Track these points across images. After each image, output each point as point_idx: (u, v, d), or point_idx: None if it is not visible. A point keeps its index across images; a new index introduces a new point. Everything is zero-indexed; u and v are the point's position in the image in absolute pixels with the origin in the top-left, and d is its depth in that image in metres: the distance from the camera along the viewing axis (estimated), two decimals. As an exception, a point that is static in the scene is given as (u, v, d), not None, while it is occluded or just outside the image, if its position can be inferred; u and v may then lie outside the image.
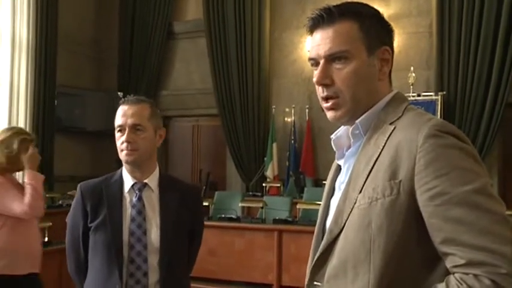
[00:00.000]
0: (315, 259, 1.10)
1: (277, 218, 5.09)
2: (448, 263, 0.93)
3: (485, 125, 6.08)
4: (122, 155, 1.83)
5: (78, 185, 1.89)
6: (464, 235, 0.90)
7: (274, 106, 7.33)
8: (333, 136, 1.21)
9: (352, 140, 1.14)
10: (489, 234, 0.89)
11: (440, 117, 6.23)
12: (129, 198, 1.83)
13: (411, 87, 6.48)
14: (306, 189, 6.32)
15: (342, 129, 1.20)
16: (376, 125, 1.09)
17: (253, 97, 7.43)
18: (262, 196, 6.54)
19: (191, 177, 8.27)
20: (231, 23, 7.55)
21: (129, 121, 1.81)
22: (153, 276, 1.77)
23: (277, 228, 4.89)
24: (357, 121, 1.12)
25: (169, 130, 8.52)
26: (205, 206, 6.02)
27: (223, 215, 5.58)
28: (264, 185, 6.93)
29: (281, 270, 4.80)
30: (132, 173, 1.86)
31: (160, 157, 8.43)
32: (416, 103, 6.46)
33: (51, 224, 4.13)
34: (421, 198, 0.96)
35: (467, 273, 0.89)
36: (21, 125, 7.20)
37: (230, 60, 7.57)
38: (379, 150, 1.05)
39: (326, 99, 1.13)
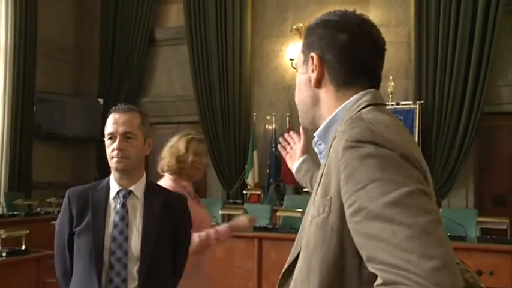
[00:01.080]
0: (283, 270, 1.08)
1: (257, 225, 5.11)
2: (375, 282, 0.84)
3: (462, 133, 6.21)
4: (112, 162, 1.85)
5: (67, 191, 1.90)
6: (381, 252, 0.82)
7: (255, 114, 7.37)
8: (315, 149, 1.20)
9: (318, 154, 1.13)
10: (403, 251, 0.79)
11: (419, 125, 6.34)
12: (113, 205, 1.84)
13: (390, 96, 6.58)
14: (286, 196, 6.35)
15: None
16: (334, 136, 1.01)
17: (234, 104, 7.46)
18: (242, 203, 6.55)
19: (172, 185, 8.23)
20: (212, 30, 7.57)
21: (120, 129, 1.84)
22: (132, 283, 1.77)
23: (258, 236, 4.90)
24: (315, 134, 1.11)
25: (150, 137, 8.48)
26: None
27: (203, 223, 5.57)
28: (244, 192, 6.94)
29: (261, 277, 4.81)
30: (119, 180, 1.88)
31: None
32: (395, 111, 6.55)
33: (28, 231, 4.06)
34: (346, 215, 0.89)
35: None
36: (-1, 131, 7.11)
37: (211, 68, 7.59)
38: (324, 164, 1.00)
39: None
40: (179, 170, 2.52)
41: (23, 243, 4.05)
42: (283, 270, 1.08)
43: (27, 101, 7.44)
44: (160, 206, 1.88)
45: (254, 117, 7.33)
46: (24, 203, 6.49)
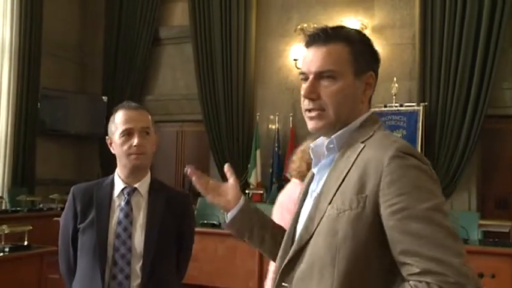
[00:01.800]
0: (284, 262, 1.18)
1: (259, 224, 5.10)
2: (405, 271, 1.02)
3: (466, 135, 6.19)
4: (130, 159, 1.84)
5: (72, 187, 1.93)
6: (421, 247, 1.00)
7: (258, 113, 7.37)
8: (312, 145, 1.28)
9: (326, 153, 1.23)
10: (442, 247, 0.99)
11: (422, 127, 6.33)
12: (118, 202, 1.86)
13: (394, 97, 6.58)
14: (288, 196, 6.34)
15: (321, 140, 1.27)
16: (350, 142, 1.19)
17: (238, 104, 7.46)
18: (245, 203, 6.54)
19: (174, 183, 8.25)
20: (216, 29, 7.58)
21: (139, 125, 1.85)
22: (135, 280, 1.78)
23: (259, 235, 4.90)
24: (333, 136, 1.21)
25: (153, 135, 8.50)
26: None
27: (205, 221, 5.58)
28: (247, 191, 6.95)
29: (262, 277, 4.81)
30: (126, 178, 1.88)
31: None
32: (398, 113, 6.56)
33: (31, 227, 4.08)
34: (384, 213, 1.05)
35: (420, 281, 0.98)
36: (3, 127, 7.14)
37: (215, 67, 7.60)
38: (350, 166, 1.14)
39: (310, 110, 1.21)
40: None
41: (26, 239, 4.07)
42: (285, 262, 1.18)
43: (31, 98, 7.48)
44: (163, 203, 1.89)
45: (257, 116, 7.34)
46: (28, 199, 6.51)
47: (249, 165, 7.17)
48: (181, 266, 2.01)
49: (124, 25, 8.33)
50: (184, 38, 7.97)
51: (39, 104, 7.65)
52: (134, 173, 1.88)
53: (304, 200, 1.28)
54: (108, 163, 8.14)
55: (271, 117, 7.35)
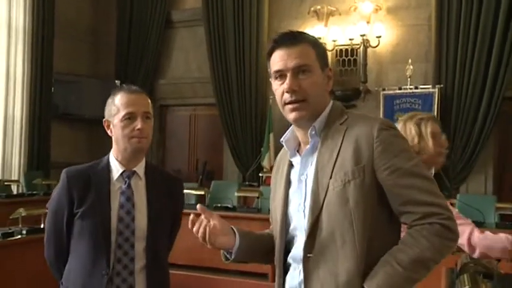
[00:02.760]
0: (306, 236, 1.35)
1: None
2: (408, 219, 1.31)
3: (482, 118, 6.09)
4: (132, 142, 1.83)
5: (64, 171, 1.88)
6: (417, 196, 1.29)
7: (271, 96, 7.31)
8: (282, 139, 1.48)
9: (310, 139, 1.41)
10: (432, 193, 1.31)
11: (437, 109, 6.25)
12: (118, 186, 1.85)
13: (409, 79, 6.49)
14: (302, 179, 6.33)
15: (289, 133, 1.48)
16: (328, 126, 1.41)
17: (251, 87, 7.42)
18: (258, 186, 6.56)
19: (188, 167, 8.28)
20: (229, 11, 7.51)
21: (142, 109, 1.85)
22: (139, 262, 1.81)
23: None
24: (314, 124, 1.41)
25: (166, 119, 8.52)
26: (202, 195, 6.04)
27: (219, 204, 5.60)
28: (260, 175, 6.94)
29: (276, 259, 4.82)
30: (126, 161, 1.87)
31: (157, 146, 8.43)
32: (413, 95, 6.47)
33: (46, 210, 4.12)
34: (382, 175, 1.31)
35: (423, 223, 1.28)
36: (18, 112, 7.19)
37: (228, 49, 7.55)
38: (339, 144, 1.36)
39: (292, 102, 1.39)
40: None
41: (42, 221, 4.12)
42: (306, 235, 1.35)
43: (45, 82, 7.51)
44: (162, 187, 1.92)
45: (271, 100, 7.29)
46: (43, 182, 6.58)
47: (262, 149, 7.15)
48: (171, 243, 2.08)
49: (136, 8, 8.29)
50: (196, 21, 7.91)
51: (52, 88, 7.68)
52: (134, 156, 1.87)
53: (289, 187, 1.45)
54: (122, 147, 8.17)
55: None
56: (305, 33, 1.49)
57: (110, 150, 1.95)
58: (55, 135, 7.71)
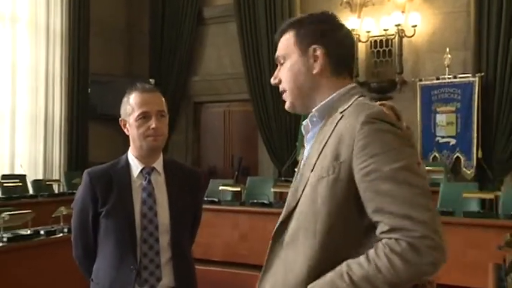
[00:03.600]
0: (276, 226, 1.28)
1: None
2: (378, 230, 1.10)
3: (526, 106, 5.87)
4: (148, 141, 1.88)
5: (86, 172, 1.93)
6: (390, 205, 1.08)
7: (305, 90, 7.25)
8: (304, 122, 1.37)
9: (310, 126, 1.33)
10: (410, 204, 1.07)
11: (478, 99, 6.05)
12: (138, 182, 1.90)
13: (447, 69, 6.30)
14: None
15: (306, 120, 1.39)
16: (330, 113, 1.27)
17: (284, 82, 7.36)
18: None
19: (223, 163, 8.30)
20: (260, 7, 7.47)
21: (155, 108, 1.89)
22: (165, 255, 1.86)
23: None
24: (314, 109, 1.31)
25: (200, 116, 8.56)
26: (238, 191, 6.04)
27: (255, 200, 5.58)
28: (295, 170, 6.88)
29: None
30: (144, 158, 1.92)
31: (192, 143, 8.49)
32: (452, 85, 6.28)
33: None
34: (358, 176, 1.13)
35: (390, 238, 1.07)
36: (57, 113, 7.37)
37: (260, 45, 7.51)
38: (328, 136, 1.23)
39: (281, 94, 1.36)
40: None
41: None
42: (277, 225, 1.28)
43: (82, 83, 7.67)
44: (181, 181, 1.97)
45: (304, 94, 7.22)
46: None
47: (297, 143, 7.09)
48: (193, 236, 2.12)
49: (169, 6, 8.35)
50: (228, 17, 7.91)
51: (89, 89, 7.83)
52: (150, 154, 1.92)
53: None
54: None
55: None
56: (295, 19, 1.36)
57: None
58: (92, 135, 7.87)
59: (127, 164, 1.93)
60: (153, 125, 1.86)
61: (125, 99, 1.94)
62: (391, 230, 1.07)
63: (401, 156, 1.11)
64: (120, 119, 1.96)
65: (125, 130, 1.95)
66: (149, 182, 1.90)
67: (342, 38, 1.30)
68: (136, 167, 1.92)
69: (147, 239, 1.84)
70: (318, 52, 1.28)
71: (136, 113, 1.88)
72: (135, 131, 1.88)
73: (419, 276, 1.07)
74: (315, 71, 1.28)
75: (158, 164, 1.95)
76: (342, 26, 1.33)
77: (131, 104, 1.90)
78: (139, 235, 1.83)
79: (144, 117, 1.87)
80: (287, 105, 1.36)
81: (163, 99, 1.95)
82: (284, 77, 1.34)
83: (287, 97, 1.35)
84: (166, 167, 1.97)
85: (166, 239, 1.87)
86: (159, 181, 1.93)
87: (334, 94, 1.28)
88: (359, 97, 1.27)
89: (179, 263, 1.89)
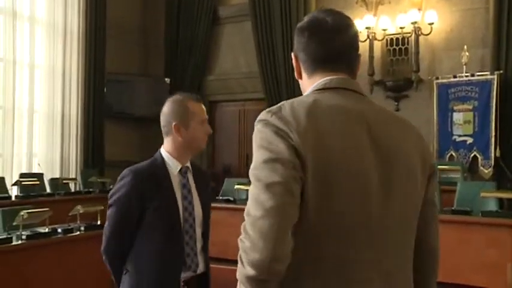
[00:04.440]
0: None
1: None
2: None
3: (546, 105, 5.77)
4: (202, 143, 2.17)
5: (129, 170, 2.06)
6: (248, 204, 1.07)
7: (320, 89, 7.21)
8: None
9: None
10: (254, 201, 1.05)
11: (497, 97, 5.96)
12: (177, 179, 2.10)
13: (464, 66, 6.22)
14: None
15: None
16: None
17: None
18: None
19: (238, 162, 8.31)
20: (276, 6, 7.46)
21: (206, 116, 2.20)
22: (199, 244, 2.12)
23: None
24: None
25: (215, 115, 8.58)
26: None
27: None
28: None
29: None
30: (182, 158, 2.13)
31: (207, 142, 8.50)
32: (470, 83, 6.21)
33: (102, 207, 4.24)
34: None
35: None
36: (74, 112, 7.44)
37: (276, 44, 7.50)
38: None
39: None
40: None
41: (99, 218, 4.24)
42: None
43: (98, 82, 7.73)
44: (201, 178, 2.23)
45: (320, 92, 7.19)
46: (98, 180, 6.78)
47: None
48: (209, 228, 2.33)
49: (184, 6, 8.38)
50: (243, 16, 7.91)
51: (105, 88, 7.90)
52: (192, 155, 2.19)
53: None
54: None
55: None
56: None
57: (159, 148, 2.17)
58: (108, 134, 7.93)
59: (163, 163, 2.11)
60: (209, 130, 2.18)
61: (177, 106, 2.11)
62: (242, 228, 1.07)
63: (260, 154, 1.08)
64: (173, 123, 2.08)
65: (177, 134, 2.10)
66: (187, 180, 2.14)
67: (308, 39, 1.27)
68: (174, 166, 2.11)
69: (188, 230, 2.08)
70: (293, 58, 1.35)
71: (199, 118, 2.14)
72: (197, 133, 2.13)
73: (246, 278, 1.02)
74: (296, 74, 1.35)
75: (189, 164, 2.19)
76: (312, 26, 1.28)
77: (192, 111, 2.12)
78: (183, 227, 2.06)
79: (204, 121, 2.16)
80: None
81: None
82: None
83: None
84: (191, 167, 2.20)
85: (200, 230, 2.12)
86: (191, 179, 2.16)
87: (304, 94, 1.31)
88: (314, 92, 1.24)
89: (207, 251, 2.17)
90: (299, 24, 1.34)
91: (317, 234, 1.07)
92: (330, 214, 1.07)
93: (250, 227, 1.02)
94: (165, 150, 2.13)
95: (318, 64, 1.26)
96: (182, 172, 2.13)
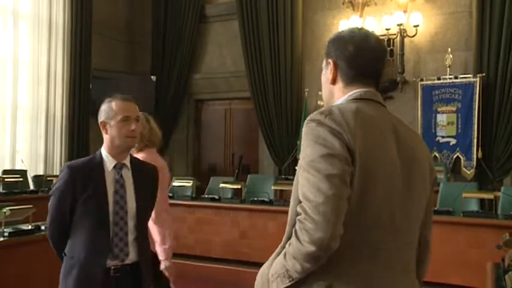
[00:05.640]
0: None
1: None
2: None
3: (527, 107, 5.87)
4: (127, 140, 2.27)
5: (66, 165, 2.27)
6: (302, 191, 1.24)
7: (307, 89, 7.26)
8: None
9: None
10: (314, 188, 1.22)
11: (479, 99, 6.05)
12: (111, 175, 2.27)
13: (448, 69, 6.31)
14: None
15: None
16: None
17: (286, 80, 7.38)
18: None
19: (224, 161, 8.32)
20: (263, 5, 7.48)
21: (135, 114, 2.30)
22: (131, 235, 2.26)
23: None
24: None
25: (202, 113, 8.57)
26: (238, 188, 6.05)
27: (255, 198, 5.60)
28: (296, 168, 6.90)
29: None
30: (118, 155, 2.29)
31: (193, 141, 8.50)
32: (453, 85, 6.29)
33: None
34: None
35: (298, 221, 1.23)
36: (58, 108, 7.38)
37: (262, 43, 7.52)
38: None
39: None
40: None
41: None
42: None
43: (83, 79, 7.67)
44: (143, 174, 2.36)
45: (306, 92, 7.23)
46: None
47: (298, 142, 7.11)
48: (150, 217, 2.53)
49: (171, 4, 8.35)
50: (230, 15, 7.91)
51: (90, 85, 7.85)
52: (125, 151, 2.31)
53: None
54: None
55: (320, 92, 7.20)
56: (338, 33, 1.54)
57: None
58: (93, 131, 7.87)
59: (101, 160, 2.29)
60: (133, 127, 2.26)
61: (105, 106, 2.31)
62: (299, 213, 1.23)
63: (313, 150, 1.25)
64: (100, 121, 2.30)
65: (103, 131, 2.30)
66: (121, 175, 2.28)
67: (354, 53, 1.42)
68: (110, 162, 2.28)
69: (118, 222, 2.22)
70: (331, 65, 1.45)
71: (119, 117, 2.25)
72: (116, 131, 2.25)
73: (304, 254, 1.19)
74: (330, 82, 1.46)
75: (127, 161, 2.32)
76: (360, 38, 1.44)
77: (113, 110, 2.27)
78: (111, 219, 2.21)
79: (125, 120, 2.26)
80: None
81: (137, 107, 2.34)
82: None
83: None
84: (132, 163, 2.34)
85: (133, 222, 2.26)
86: (127, 175, 2.30)
87: (339, 100, 1.43)
88: (350, 100, 1.40)
89: (142, 242, 2.30)
90: (339, 35, 1.49)
91: (355, 221, 1.24)
92: (367, 205, 1.25)
93: (313, 210, 1.19)
94: (103, 148, 2.32)
95: (359, 77, 1.42)
96: (117, 168, 2.28)
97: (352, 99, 1.39)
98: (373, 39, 1.44)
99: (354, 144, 1.24)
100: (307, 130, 1.29)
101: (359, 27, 1.51)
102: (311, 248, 1.18)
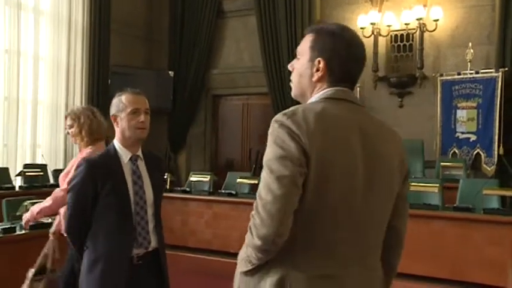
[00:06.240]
0: None
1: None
2: None
3: (550, 103, 5.75)
4: (138, 132, 2.33)
5: (84, 160, 2.33)
6: (259, 189, 1.33)
7: (324, 84, 7.20)
8: None
9: None
10: (265, 187, 1.31)
11: (501, 94, 5.95)
12: (128, 167, 2.34)
13: (469, 64, 6.21)
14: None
15: None
16: None
17: (303, 75, 7.33)
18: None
19: (241, 156, 8.32)
20: (280, 0, 7.44)
21: (144, 106, 2.36)
22: (151, 224, 2.35)
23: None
24: None
25: (219, 109, 8.58)
26: (255, 184, 6.05)
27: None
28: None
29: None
30: (131, 147, 2.35)
31: (210, 136, 8.52)
32: (474, 81, 6.19)
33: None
34: None
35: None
36: (77, 103, 7.45)
37: (280, 38, 7.49)
38: None
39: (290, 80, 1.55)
40: None
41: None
42: None
43: (102, 75, 7.73)
44: (155, 165, 2.46)
45: (323, 88, 7.18)
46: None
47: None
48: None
49: (188, 0, 8.37)
50: (248, 10, 7.90)
51: (109, 80, 7.91)
52: (137, 143, 2.37)
53: None
54: (176, 136, 8.32)
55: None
56: (320, 26, 1.52)
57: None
58: (111, 126, 7.95)
59: (116, 153, 2.35)
60: (142, 119, 2.32)
61: (116, 99, 2.38)
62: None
63: (270, 150, 1.33)
64: (111, 115, 2.37)
65: (115, 124, 2.38)
66: (137, 167, 2.36)
67: (347, 56, 1.43)
68: (125, 155, 2.35)
69: (139, 212, 2.30)
70: (321, 64, 1.44)
71: (129, 109, 2.32)
72: (126, 124, 2.32)
73: (254, 246, 1.30)
74: (314, 79, 1.45)
75: (140, 153, 2.40)
76: (351, 43, 1.44)
77: (124, 102, 2.34)
78: (133, 209, 2.28)
79: (135, 112, 2.32)
80: (292, 93, 1.55)
81: (147, 100, 2.40)
82: (295, 70, 1.51)
83: (292, 86, 1.54)
84: (144, 155, 2.42)
85: (152, 210, 2.35)
86: (141, 165, 2.38)
87: (314, 95, 1.46)
88: (322, 99, 1.42)
89: (159, 229, 2.40)
90: (345, 31, 1.45)
91: (311, 218, 1.31)
92: (323, 204, 1.30)
93: (261, 208, 1.28)
94: (116, 141, 2.38)
95: (344, 79, 1.44)
96: (132, 160, 2.35)
97: (323, 98, 1.42)
98: (359, 41, 1.47)
99: (311, 146, 1.28)
100: (270, 130, 1.36)
101: (344, 25, 1.50)
102: (258, 242, 1.28)
